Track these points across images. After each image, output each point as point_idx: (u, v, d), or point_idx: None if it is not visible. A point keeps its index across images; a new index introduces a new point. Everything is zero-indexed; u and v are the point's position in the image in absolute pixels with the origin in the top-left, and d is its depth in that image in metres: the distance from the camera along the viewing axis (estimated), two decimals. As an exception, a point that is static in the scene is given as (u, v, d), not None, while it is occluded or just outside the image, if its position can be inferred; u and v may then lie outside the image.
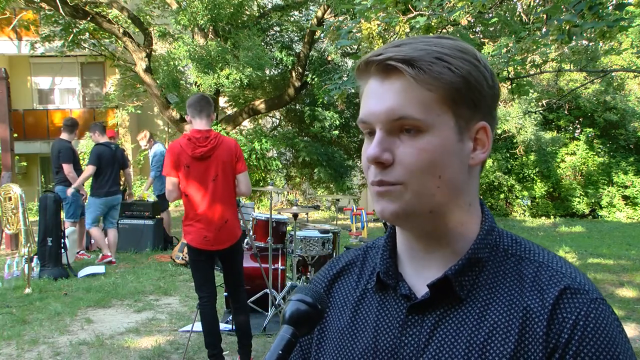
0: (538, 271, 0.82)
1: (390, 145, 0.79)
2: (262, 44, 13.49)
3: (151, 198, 9.11)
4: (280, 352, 0.74)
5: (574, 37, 3.96)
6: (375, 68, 0.81)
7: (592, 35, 4.56)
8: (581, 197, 14.87)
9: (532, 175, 15.07)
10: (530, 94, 11.20)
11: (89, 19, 12.68)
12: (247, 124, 16.16)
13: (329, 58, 14.19)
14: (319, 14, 13.35)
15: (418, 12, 4.62)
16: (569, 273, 0.81)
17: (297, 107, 16.35)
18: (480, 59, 0.82)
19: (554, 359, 0.76)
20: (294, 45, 15.37)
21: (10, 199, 8.30)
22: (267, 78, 14.97)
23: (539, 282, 0.81)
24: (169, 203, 9.99)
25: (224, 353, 3.99)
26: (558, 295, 0.78)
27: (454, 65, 0.79)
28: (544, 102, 14.02)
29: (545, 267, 0.82)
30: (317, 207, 14.60)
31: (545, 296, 0.79)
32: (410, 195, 0.80)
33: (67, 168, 7.52)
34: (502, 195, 15.14)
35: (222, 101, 15.75)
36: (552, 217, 14.66)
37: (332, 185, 15.22)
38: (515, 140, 14.67)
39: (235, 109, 15.30)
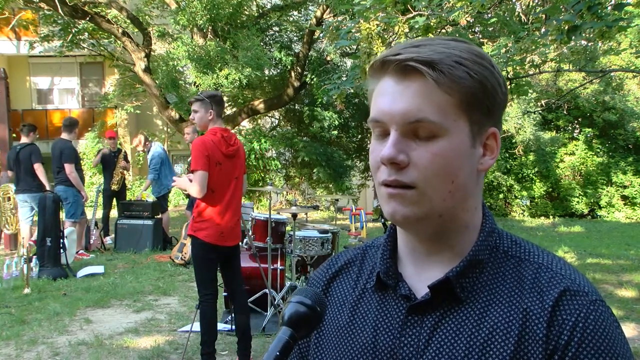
0: (537, 273, 0.82)
1: (405, 147, 0.78)
2: (261, 44, 13.47)
3: (150, 198, 9.10)
4: (277, 353, 0.74)
5: (573, 37, 3.97)
6: (393, 68, 0.79)
7: (591, 35, 4.57)
8: (580, 197, 14.88)
9: (531, 175, 15.08)
10: (530, 94, 11.20)
11: (87, 18, 12.66)
12: (246, 124, 16.15)
13: (328, 58, 14.17)
14: (318, 14, 13.34)
15: (417, 12, 4.62)
16: (569, 275, 0.82)
17: (296, 107, 16.34)
18: (494, 65, 0.81)
19: (553, 360, 0.76)
20: (293, 45, 15.34)
21: (9, 199, 8.30)
22: (266, 78, 14.95)
23: (538, 284, 0.81)
24: (168, 203, 10.00)
25: (223, 353, 3.98)
26: (557, 297, 0.78)
27: (472, 70, 0.78)
28: (543, 102, 14.00)
29: (545, 269, 0.82)
30: (316, 207, 14.56)
31: (544, 298, 0.79)
32: (424, 200, 0.79)
33: (69, 168, 7.51)
34: (501, 195, 15.15)
35: (221, 101, 15.71)
36: (551, 217, 14.67)
37: (331, 185, 15.22)
38: (514, 140, 14.68)
39: (234, 109, 15.28)
